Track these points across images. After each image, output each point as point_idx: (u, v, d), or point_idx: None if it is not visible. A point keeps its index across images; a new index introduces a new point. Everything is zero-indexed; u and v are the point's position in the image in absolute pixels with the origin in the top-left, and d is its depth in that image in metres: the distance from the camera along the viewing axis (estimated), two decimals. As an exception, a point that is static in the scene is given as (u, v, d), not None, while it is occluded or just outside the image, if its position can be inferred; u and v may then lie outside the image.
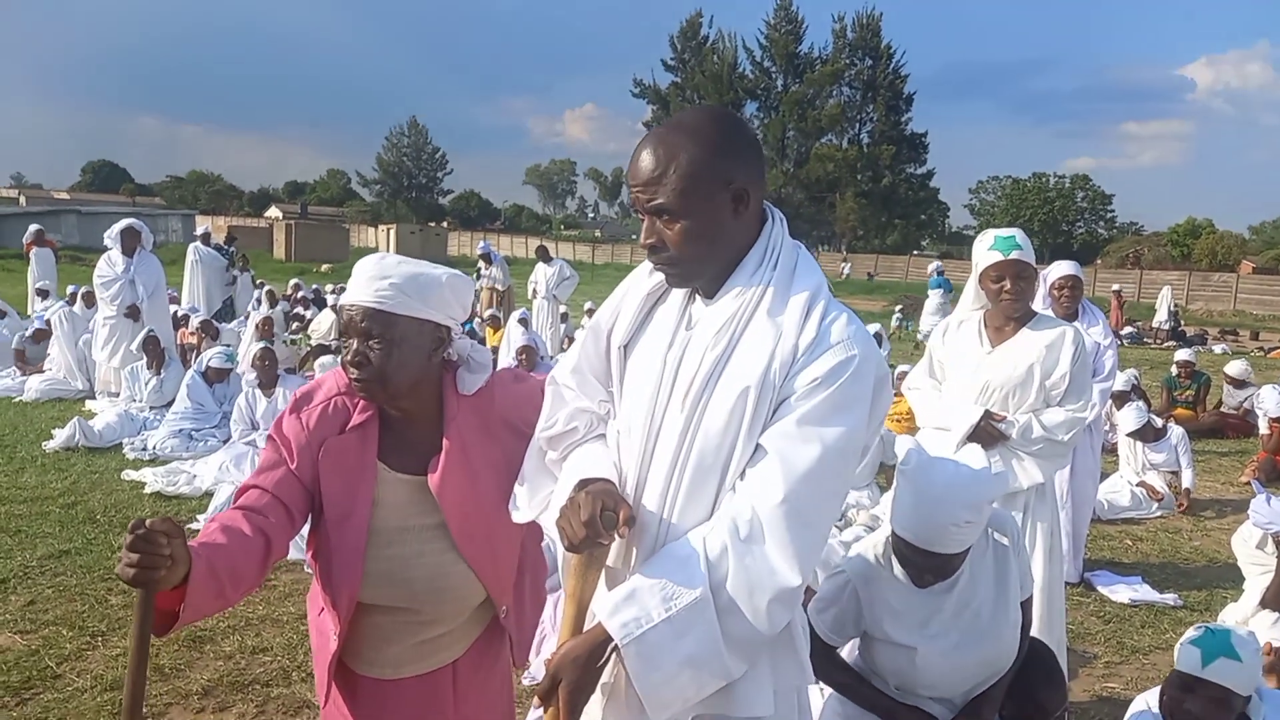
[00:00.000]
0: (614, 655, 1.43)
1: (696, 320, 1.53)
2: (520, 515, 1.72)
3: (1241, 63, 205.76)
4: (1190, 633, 2.36)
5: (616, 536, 1.44)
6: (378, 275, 1.71)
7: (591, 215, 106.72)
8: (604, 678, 1.47)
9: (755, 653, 1.47)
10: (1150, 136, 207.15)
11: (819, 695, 2.73)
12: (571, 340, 12.96)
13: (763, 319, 1.46)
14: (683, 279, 1.53)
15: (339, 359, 1.90)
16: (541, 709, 1.45)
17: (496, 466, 1.82)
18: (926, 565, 2.13)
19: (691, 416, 1.46)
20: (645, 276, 1.61)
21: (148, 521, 1.43)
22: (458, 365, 1.86)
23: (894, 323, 18.77)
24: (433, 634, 1.87)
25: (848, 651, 2.50)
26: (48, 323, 9.66)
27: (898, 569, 2.27)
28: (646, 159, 1.46)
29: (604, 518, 1.42)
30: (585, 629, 1.47)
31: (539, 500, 1.70)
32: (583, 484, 1.52)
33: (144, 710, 1.55)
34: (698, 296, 1.55)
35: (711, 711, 1.50)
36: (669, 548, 1.47)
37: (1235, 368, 9.44)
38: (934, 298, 15.99)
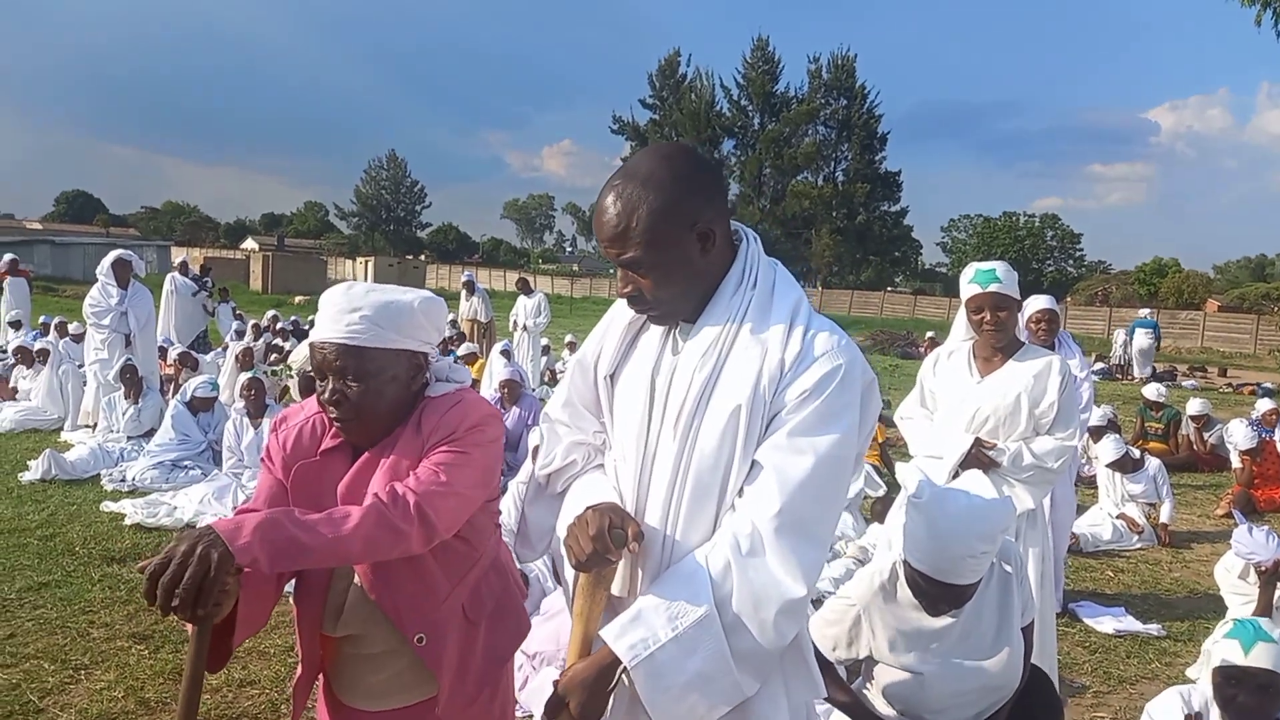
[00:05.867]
0: (624, 677, 1.43)
1: (682, 345, 1.54)
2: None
3: (1203, 108, 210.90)
4: (1220, 628, 2.34)
5: (626, 553, 1.44)
6: (347, 308, 1.64)
7: (570, 249, 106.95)
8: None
9: (766, 669, 1.47)
10: (1116, 178, 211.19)
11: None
12: (554, 373, 12.97)
13: (747, 338, 1.48)
14: (665, 319, 1.56)
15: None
16: None
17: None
18: (942, 596, 2.16)
19: (685, 439, 1.48)
20: (627, 307, 1.61)
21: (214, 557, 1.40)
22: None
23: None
24: (405, 664, 1.80)
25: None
26: (41, 350, 9.45)
27: (903, 595, 2.29)
28: (609, 215, 1.47)
29: (612, 534, 1.42)
30: (594, 650, 1.47)
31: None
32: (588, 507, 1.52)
33: None
34: (680, 321, 1.57)
35: None
36: (673, 569, 1.47)
37: (1195, 406, 9.48)
38: (1140, 337, 17.19)
